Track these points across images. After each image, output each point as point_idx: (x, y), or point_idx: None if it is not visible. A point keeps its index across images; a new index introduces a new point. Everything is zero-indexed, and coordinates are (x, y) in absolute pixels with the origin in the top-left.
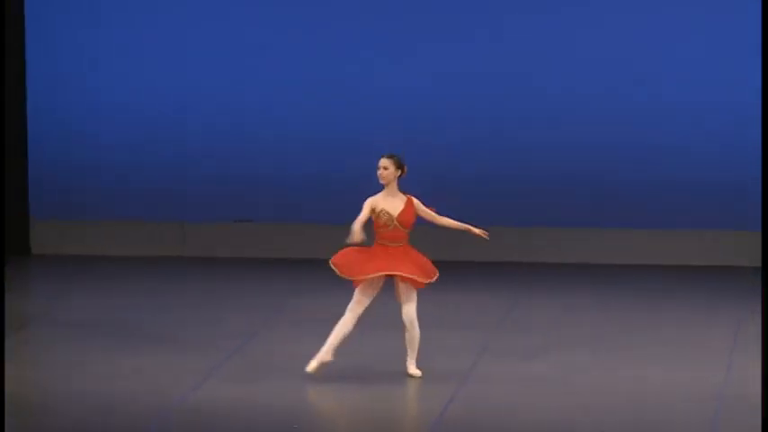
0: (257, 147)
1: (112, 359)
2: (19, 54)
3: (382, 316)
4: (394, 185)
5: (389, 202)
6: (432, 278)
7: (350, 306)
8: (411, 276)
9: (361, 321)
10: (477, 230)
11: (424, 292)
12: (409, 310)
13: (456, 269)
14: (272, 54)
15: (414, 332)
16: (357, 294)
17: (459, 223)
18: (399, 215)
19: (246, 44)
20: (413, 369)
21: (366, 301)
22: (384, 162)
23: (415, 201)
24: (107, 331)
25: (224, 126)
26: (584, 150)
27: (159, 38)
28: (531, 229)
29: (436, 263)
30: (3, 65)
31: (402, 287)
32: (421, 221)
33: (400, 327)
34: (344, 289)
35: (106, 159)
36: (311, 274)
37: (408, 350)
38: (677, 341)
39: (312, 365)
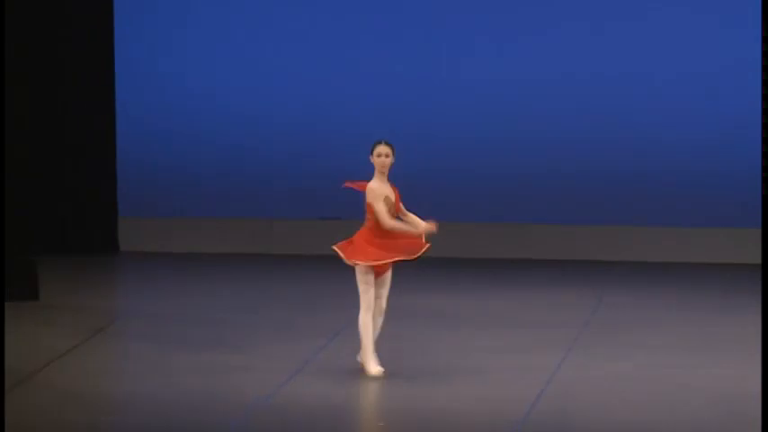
0: (344, 144)
1: (197, 357)
2: (108, 53)
3: (457, 313)
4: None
5: (389, 189)
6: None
7: (362, 306)
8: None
9: (441, 320)
10: None
11: (506, 291)
12: (384, 299)
13: (541, 267)
14: (362, 53)
15: (380, 321)
16: (361, 285)
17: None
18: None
19: (334, 44)
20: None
21: (371, 290)
22: (387, 150)
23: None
24: (192, 329)
25: (313, 124)
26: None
27: (247, 37)
28: (615, 228)
29: (516, 260)
30: (3, 65)
31: (388, 273)
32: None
33: (475, 325)
34: (424, 284)
35: (193, 157)
36: (395, 272)
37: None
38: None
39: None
